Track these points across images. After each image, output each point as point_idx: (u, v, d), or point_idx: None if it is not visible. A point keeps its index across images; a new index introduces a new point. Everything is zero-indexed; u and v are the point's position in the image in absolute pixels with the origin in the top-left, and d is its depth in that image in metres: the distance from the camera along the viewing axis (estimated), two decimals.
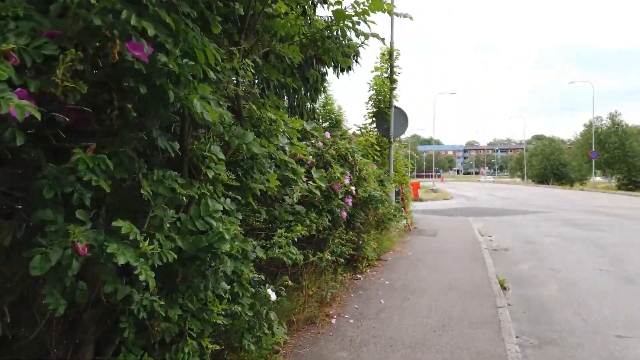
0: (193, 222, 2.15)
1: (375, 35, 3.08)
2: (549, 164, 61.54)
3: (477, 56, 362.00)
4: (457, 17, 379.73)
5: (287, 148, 3.69)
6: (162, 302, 2.09)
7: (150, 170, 1.95)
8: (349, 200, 5.29)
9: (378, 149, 9.94)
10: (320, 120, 16.49)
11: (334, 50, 3.16)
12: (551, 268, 8.07)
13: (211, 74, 1.97)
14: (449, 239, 10.85)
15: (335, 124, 15.92)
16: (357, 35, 3.23)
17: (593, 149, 39.47)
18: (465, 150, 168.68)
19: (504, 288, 6.58)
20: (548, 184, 59.45)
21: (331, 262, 5.56)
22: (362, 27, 3.41)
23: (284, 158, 3.51)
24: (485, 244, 10.49)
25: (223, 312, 2.74)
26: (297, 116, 7.21)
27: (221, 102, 2.07)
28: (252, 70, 2.52)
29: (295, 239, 3.76)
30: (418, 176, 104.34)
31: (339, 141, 5.36)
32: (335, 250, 5.09)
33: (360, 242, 6.84)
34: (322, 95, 12.16)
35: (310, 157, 5.15)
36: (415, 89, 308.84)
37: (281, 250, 3.56)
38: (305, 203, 4.53)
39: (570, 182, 60.59)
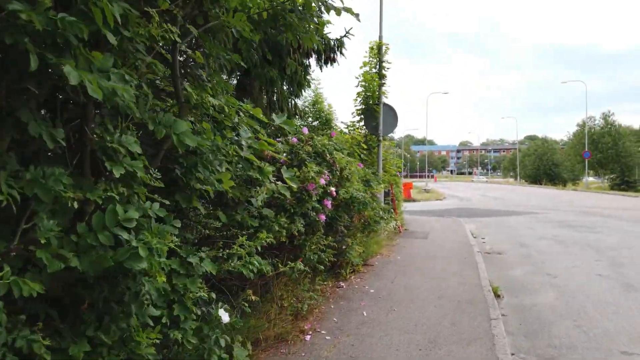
0: (96, 235, 1.64)
1: (348, 10, 2.59)
2: (541, 164, 61.58)
3: (469, 57, 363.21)
4: (451, 18, 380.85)
5: (249, 143, 3.19)
6: (48, 342, 1.57)
7: (25, 167, 1.45)
8: (328, 202, 4.80)
9: (365, 147, 9.47)
10: (310, 119, 16.06)
11: (296, 25, 2.66)
12: (547, 273, 7.63)
13: (111, 38, 1.47)
14: (441, 242, 10.39)
15: (326, 122, 15.46)
16: (327, 11, 2.74)
17: (586, 149, 39.31)
18: (458, 151, 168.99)
19: (497, 296, 6.12)
20: (541, 184, 59.42)
21: (311, 269, 5.07)
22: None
23: (244, 155, 3.01)
24: (478, 246, 10.05)
25: (157, 341, 2.23)
26: (278, 113, 6.73)
27: (130, 78, 1.57)
28: (177, 39, 2.02)
29: (259, 248, 3.26)
30: (411, 176, 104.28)
31: (316, 137, 4.86)
32: (311, 257, 4.59)
33: (344, 247, 6.35)
34: (308, 92, 11.67)
35: (284, 154, 4.66)
36: (408, 89, 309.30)
37: (240, 262, 3.05)
38: (276, 206, 4.03)
39: (562, 182, 60.63)
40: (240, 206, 3.50)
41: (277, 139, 4.61)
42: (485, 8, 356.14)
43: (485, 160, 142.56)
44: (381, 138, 10.22)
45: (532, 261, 8.69)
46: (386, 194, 11.51)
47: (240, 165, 3.35)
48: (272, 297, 4.26)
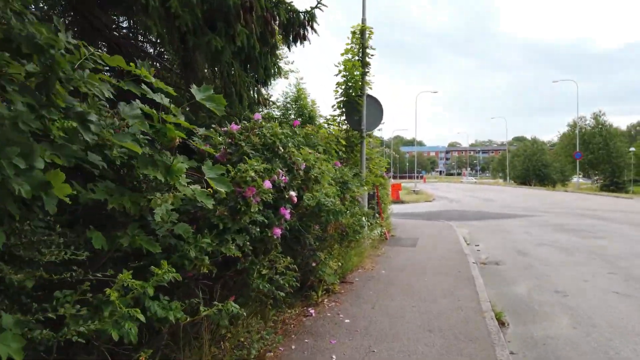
0: None
1: None
2: (531, 165, 61.13)
3: (460, 58, 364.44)
4: (439, 19, 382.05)
5: (133, 123, 2.00)
6: None
7: None
8: (287, 212, 3.62)
9: (344, 143, 8.32)
10: (293, 116, 14.87)
11: None
12: (555, 290, 6.54)
13: None
14: (431, 250, 9.27)
15: (309, 120, 14.28)
16: None
17: (577, 150, 38.64)
18: (447, 152, 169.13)
19: (502, 324, 5.00)
20: (530, 185, 58.93)
21: (268, 297, 3.89)
22: None
23: (89, 138, 1.83)
24: (472, 255, 8.97)
25: None
26: (235, 101, 5.53)
27: None
28: None
29: (151, 291, 2.07)
30: (401, 177, 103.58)
31: (264, 124, 3.67)
32: (263, 286, 3.40)
33: (315, 264, 5.17)
34: (282, 80, 10.53)
35: (222, 146, 3.46)
36: (398, 89, 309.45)
37: (111, 317, 1.86)
38: (203, 219, 2.83)
39: (552, 183, 60.21)
40: (133, 224, 2.30)
41: (212, 127, 3.43)
42: (474, 9, 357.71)
43: (474, 161, 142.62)
44: (364, 134, 9.07)
45: (535, 274, 7.60)
46: (371, 197, 10.38)
47: (130, 160, 2.16)
48: (201, 344, 3.07)
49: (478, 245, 10.83)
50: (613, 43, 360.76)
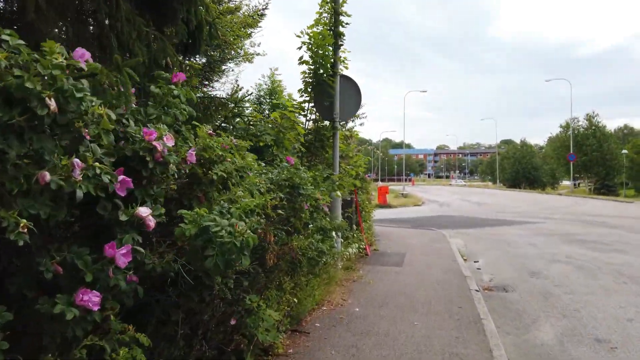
0: None
1: None
2: (520, 168, 60.00)
3: (447, 61, 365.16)
4: (426, 22, 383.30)
5: None
6: None
7: None
8: (122, 254, 1.68)
9: (304, 132, 6.39)
10: (267, 112, 12.95)
11: None
12: (595, 337, 4.67)
13: None
14: (422, 271, 7.37)
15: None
16: None
17: (571, 151, 37.17)
18: (436, 154, 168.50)
19: None
20: (520, 187, 57.67)
21: None
22: None
23: None
24: (473, 277, 7.10)
25: None
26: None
27: None
28: None
29: None
30: (389, 180, 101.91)
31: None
32: None
33: (241, 314, 3.22)
34: (252, 71, 8.60)
35: None
36: (386, 91, 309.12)
37: None
38: None
39: (542, 186, 59.06)
40: None
41: None
42: (462, 12, 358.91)
43: (463, 164, 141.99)
44: (338, 124, 7.14)
45: (560, 307, 5.74)
46: (347, 204, 8.44)
47: None
48: None
49: (477, 262, 8.97)
50: (598, 46, 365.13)
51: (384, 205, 26.40)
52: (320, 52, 6.85)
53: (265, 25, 11.53)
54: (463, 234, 13.20)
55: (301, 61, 6.84)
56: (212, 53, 9.83)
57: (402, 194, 36.11)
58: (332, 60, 6.98)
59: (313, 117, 7.36)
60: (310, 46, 6.79)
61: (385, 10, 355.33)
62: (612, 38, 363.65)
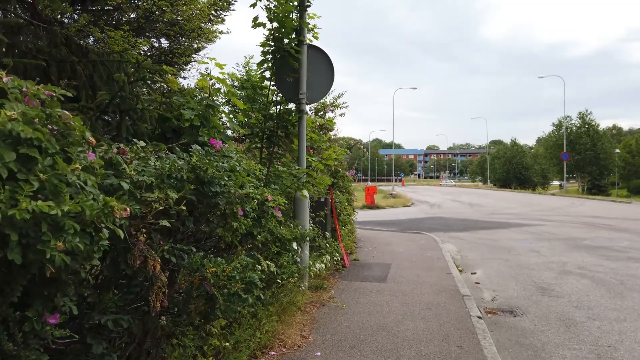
0: None
1: None
2: (511, 168, 59.16)
3: (437, 63, 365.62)
4: (417, 21, 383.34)
5: None
6: None
7: None
8: None
9: (260, 116, 4.93)
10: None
11: None
12: None
13: None
14: (409, 289, 5.96)
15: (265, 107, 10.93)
16: None
17: (564, 150, 36.06)
18: (426, 155, 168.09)
19: None
20: (510, 187, 56.76)
21: None
22: None
23: None
24: (472, 296, 5.72)
25: None
26: None
27: None
28: None
29: None
30: (379, 180, 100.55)
31: None
32: None
33: None
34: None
35: None
36: (377, 93, 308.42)
37: None
38: None
39: (532, 186, 58.19)
40: None
41: None
42: (452, 14, 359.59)
43: (453, 164, 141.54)
44: (305, 107, 5.69)
45: (589, 341, 4.37)
46: (321, 205, 7.00)
47: None
48: None
49: (475, 274, 7.61)
50: (585, 49, 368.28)
51: (371, 206, 25.05)
52: (280, 14, 5.39)
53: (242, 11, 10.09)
54: (456, 238, 11.85)
55: (255, 24, 5.37)
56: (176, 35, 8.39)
57: (391, 194, 34.80)
58: (296, 25, 5.52)
59: (276, 98, 5.89)
60: (268, 5, 5.33)
61: (376, 14, 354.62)
62: (599, 41, 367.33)
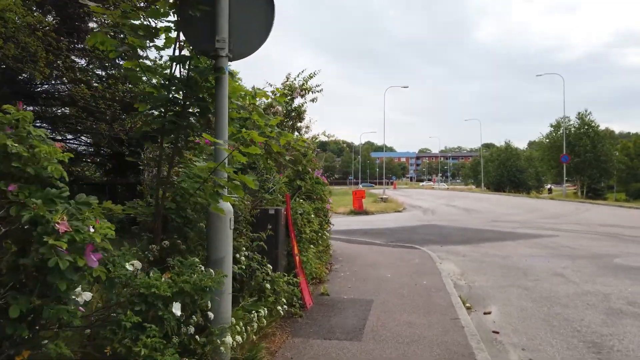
0: None
1: None
2: (505, 171, 57.52)
3: (429, 67, 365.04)
4: (409, 25, 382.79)
5: None
6: None
7: None
8: None
9: (156, 78, 2.63)
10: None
11: None
12: None
13: None
14: (398, 355, 3.79)
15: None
16: None
17: (564, 152, 34.09)
18: (417, 158, 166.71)
19: None
20: (504, 191, 55.02)
21: None
22: None
23: None
24: None
25: None
26: None
27: None
28: None
29: None
30: (371, 182, 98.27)
31: None
32: None
33: None
34: None
35: None
36: (366, 95, 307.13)
37: None
38: None
39: (527, 190, 56.50)
40: None
41: None
42: (444, 18, 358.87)
43: (445, 167, 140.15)
44: (225, 62, 3.51)
45: None
46: (266, 219, 4.79)
47: None
48: None
49: (489, 313, 5.48)
50: (574, 54, 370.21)
51: (359, 211, 22.89)
52: None
53: None
54: (456, 254, 9.71)
55: None
56: None
57: (382, 198, 32.68)
58: None
59: (185, 52, 3.68)
60: None
61: (368, 18, 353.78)
62: (588, 46, 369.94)
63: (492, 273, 7.75)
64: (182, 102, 3.62)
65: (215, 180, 3.24)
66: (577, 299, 6.00)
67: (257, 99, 4.51)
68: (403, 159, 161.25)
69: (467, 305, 5.75)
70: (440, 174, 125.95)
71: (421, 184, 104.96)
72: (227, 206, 3.38)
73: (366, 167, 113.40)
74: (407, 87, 42.00)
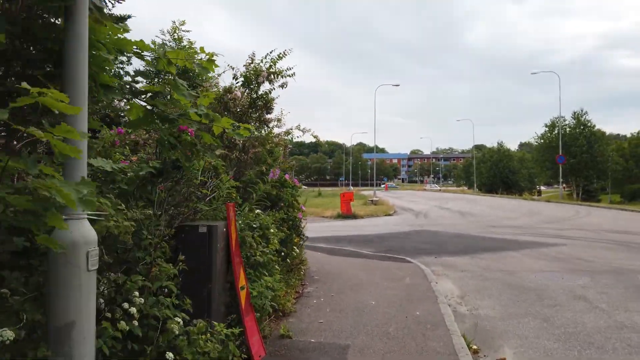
0: None
1: None
2: (498, 172, 56.56)
3: (421, 68, 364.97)
4: (400, 28, 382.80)
5: None
6: None
7: None
8: None
9: None
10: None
11: None
12: None
13: None
14: None
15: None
16: None
17: (560, 153, 32.93)
18: (409, 159, 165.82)
19: None
20: (497, 192, 54.01)
21: None
22: None
23: None
24: None
25: None
26: None
27: None
28: None
29: None
30: (362, 184, 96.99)
31: None
32: None
33: None
34: None
35: None
36: (357, 97, 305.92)
37: None
38: None
39: (519, 191, 55.54)
40: None
41: None
42: (435, 21, 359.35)
43: (437, 169, 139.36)
44: None
45: None
46: (195, 242, 3.37)
47: None
48: None
49: None
50: (562, 58, 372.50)
51: (347, 215, 21.49)
52: None
53: None
54: (454, 268, 8.35)
55: None
56: None
57: (372, 200, 31.29)
58: None
59: None
60: None
61: (359, 21, 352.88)
62: (577, 49, 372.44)
63: (498, 296, 6.39)
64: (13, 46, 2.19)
65: (49, 187, 1.81)
66: (613, 335, 4.66)
67: (177, 65, 3.09)
68: (395, 160, 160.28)
69: (474, 347, 4.37)
70: (432, 175, 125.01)
71: (426, 186, 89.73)
72: (79, 232, 1.96)
73: (358, 169, 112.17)
74: (399, 85, 40.70)
